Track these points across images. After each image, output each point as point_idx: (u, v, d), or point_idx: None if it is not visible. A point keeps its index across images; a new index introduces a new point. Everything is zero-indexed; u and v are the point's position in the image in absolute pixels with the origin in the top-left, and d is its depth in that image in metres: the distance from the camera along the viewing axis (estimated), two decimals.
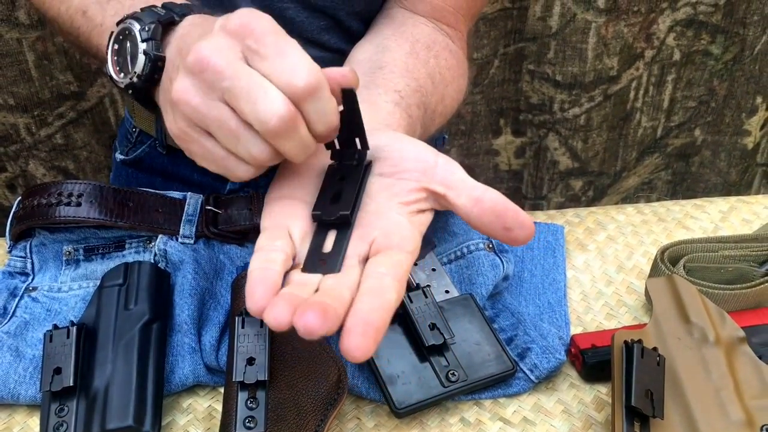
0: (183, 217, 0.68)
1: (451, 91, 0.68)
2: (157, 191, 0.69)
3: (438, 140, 0.96)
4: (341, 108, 0.45)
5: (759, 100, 1.43)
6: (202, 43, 0.43)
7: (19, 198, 0.69)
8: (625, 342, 0.55)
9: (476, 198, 0.45)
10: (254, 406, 0.54)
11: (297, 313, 0.38)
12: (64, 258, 0.68)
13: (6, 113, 1.25)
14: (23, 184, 1.35)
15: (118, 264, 0.63)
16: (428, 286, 0.61)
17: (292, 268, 0.45)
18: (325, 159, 0.49)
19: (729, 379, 0.55)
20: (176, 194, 0.69)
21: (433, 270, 0.65)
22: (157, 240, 0.67)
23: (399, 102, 0.59)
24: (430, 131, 0.65)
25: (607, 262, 0.73)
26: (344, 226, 0.45)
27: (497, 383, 0.60)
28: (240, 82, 0.42)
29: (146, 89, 0.51)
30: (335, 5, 0.71)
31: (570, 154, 1.48)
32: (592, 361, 0.60)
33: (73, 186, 0.66)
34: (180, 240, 0.67)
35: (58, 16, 0.63)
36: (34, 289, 0.67)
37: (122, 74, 0.53)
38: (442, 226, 0.70)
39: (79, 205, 0.65)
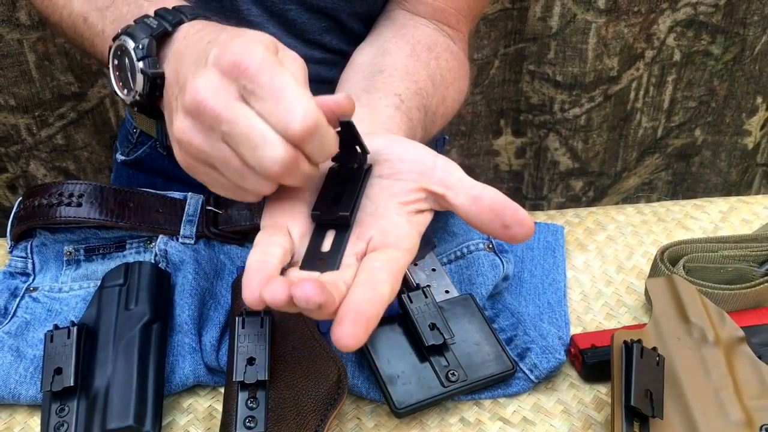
0: (183, 218, 0.68)
1: (452, 92, 0.68)
2: (157, 191, 0.69)
3: (439, 141, 0.96)
4: (338, 129, 0.45)
5: (759, 100, 1.43)
6: (198, 83, 0.42)
7: (20, 198, 0.69)
8: (625, 342, 0.55)
9: (474, 196, 0.45)
10: (254, 406, 0.54)
11: (294, 285, 0.38)
12: (65, 258, 0.68)
13: (7, 114, 1.25)
14: (24, 185, 1.35)
15: (118, 264, 0.63)
16: (428, 286, 0.61)
17: (290, 266, 0.45)
18: (322, 167, 0.49)
19: (728, 379, 0.55)
20: (177, 194, 0.69)
21: (433, 270, 0.65)
22: (158, 240, 0.67)
23: (399, 105, 0.59)
24: (431, 133, 0.65)
25: (606, 262, 0.73)
26: (343, 227, 0.45)
27: (497, 383, 0.60)
28: (238, 127, 0.42)
29: (151, 103, 0.51)
30: (336, 7, 0.71)
31: (570, 155, 1.48)
32: (592, 361, 0.61)
33: (74, 186, 0.67)
34: (180, 240, 0.67)
35: (60, 21, 0.63)
36: (35, 289, 0.67)
37: (126, 90, 0.53)
38: (442, 226, 0.70)
39: (79, 205, 0.66)
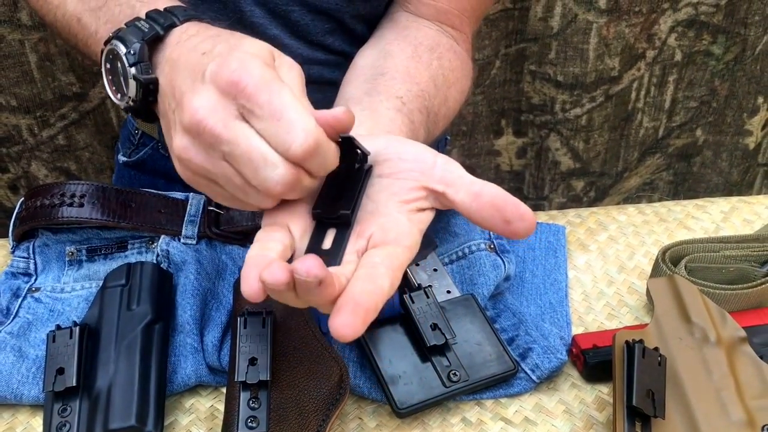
0: (185, 218, 0.68)
1: (454, 92, 0.68)
2: (159, 192, 0.69)
3: (441, 141, 0.96)
4: (339, 140, 0.45)
5: (760, 100, 1.43)
6: (196, 103, 0.42)
7: (22, 199, 0.69)
8: (627, 342, 0.55)
9: (475, 193, 0.45)
10: (256, 406, 0.54)
11: (295, 262, 0.38)
12: (67, 258, 0.68)
13: (8, 114, 1.25)
14: (25, 185, 1.36)
15: (120, 264, 0.63)
16: (430, 286, 0.62)
17: (290, 262, 0.45)
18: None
19: (730, 379, 0.55)
20: (178, 195, 0.70)
21: (435, 270, 0.65)
22: (160, 240, 0.67)
23: (401, 108, 0.59)
24: (434, 134, 0.65)
25: (608, 263, 0.73)
26: (344, 225, 0.45)
27: (499, 383, 0.60)
28: (239, 148, 0.42)
29: (145, 107, 0.51)
30: (339, 8, 0.71)
31: (571, 155, 1.48)
32: (594, 361, 0.61)
33: (76, 187, 0.67)
34: (182, 240, 0.67)
35: (55, 21, 0.62)
36: (37, 289, 0.67)
37: (119, 95, 0.52)
38: (443, 226, 0.70)
39: (81, 205, 0.66)
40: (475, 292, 0.64)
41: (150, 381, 0.57)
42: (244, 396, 0.55)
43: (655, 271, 0.67)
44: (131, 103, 0.50)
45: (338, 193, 0.46)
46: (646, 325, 0.59)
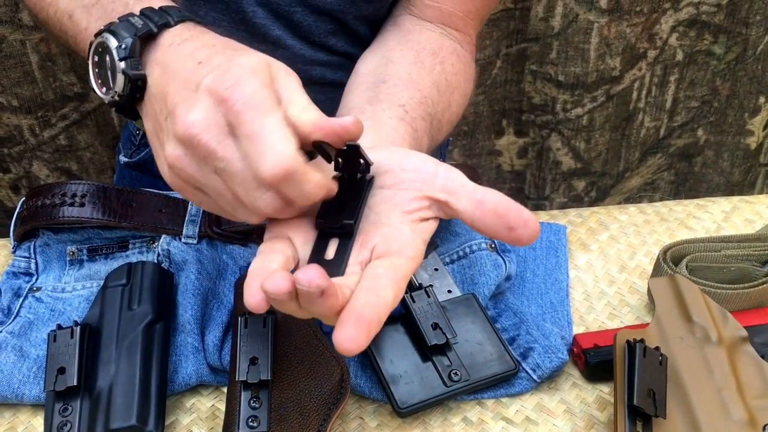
0: (186, 218, 0.68)
1: (457, 97, 0.67)
2: (160, 191, 0.69)
3: (443, 142, 0.96)
4: (344, 148, 0.45)
5: (762, 99, 1.43)
6: (191, 117, 0.42)
7: (23, 199, 0.69)
8: (628, 341, 0.55)
9: (477, 200, 0.44)
10: (257, 405, 0.54)
11: (298, 271, 0.38)
12: (68, 258, 0.68)
13: (10, 114, 1.26)
14: (27, 185, 1.36)
15: (121, 264, 0.63)
16: (431, 285, 0.61)
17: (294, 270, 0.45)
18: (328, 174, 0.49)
19: (731, 379, 0.55)
20: (179, 195, 0.69)
21: (436, 270, 0.65)
22: (161, 240, 0.67)
23: (403, 117, 0.59)
24: (438, 140, 0.65)
25: (609, 262, 0.73)
26: (347, 235, 0.45)
27: (500, 383, 0.60)
28: (233, 166, 0.42)
29: (130, 104, 0.50)
30: (342, 9, 0.70)
31: (573, 155, 1.48)
32: (595, 360, 0.61)
33: (77, 186, 0.67)
34: (183, 240, 0.67)
35: (47, 18, 0.62)
36: (38, 289, 0.67)
37: (104, 89, 0.51)
38: (444, 226, 0.70)
39: (82, 205, 0.66)
40: (476, 292, 0.64)
41: (151, 380, 0.57)
42: (245, 395, 0.55)
43: (656, 271, 0.67)
44: (116, 98, 0.50)
45: (341, 202, 0.46)
46: (647, 324, 0.59)
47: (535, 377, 0.60)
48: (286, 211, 0.44)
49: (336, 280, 0.43)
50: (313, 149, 0.45)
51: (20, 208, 0.69)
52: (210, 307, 0.64)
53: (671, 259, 0.66)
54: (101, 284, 0.63)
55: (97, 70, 0.52)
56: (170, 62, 0.47)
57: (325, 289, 0.38)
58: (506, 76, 1.38)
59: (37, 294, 0.66)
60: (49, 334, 0.57)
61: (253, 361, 0.55)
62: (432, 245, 0.67)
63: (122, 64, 0.48)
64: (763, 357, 0.57)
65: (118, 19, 0.50)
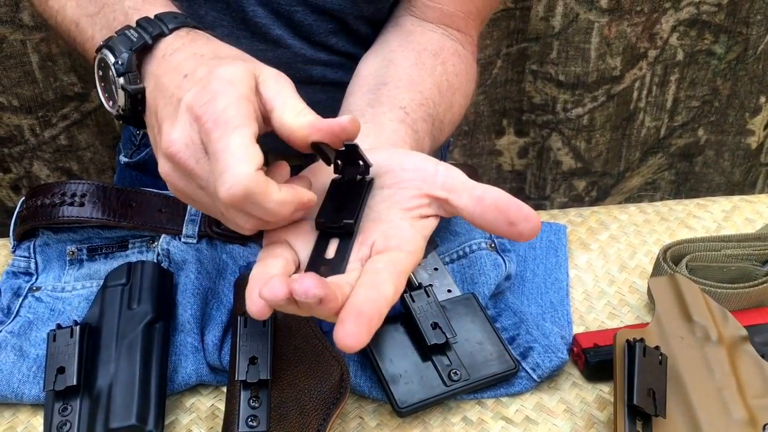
0: (186, 217, 0.68)
1: (458, 97, 0.67)
2: (159, 191, 0.69)
3: (444, 143, 0.96)
4: (342, 149, 0.45)
5: (762, 99, 1.43)
6: (173, 135, 0.43)
7: (23, 198, 0.69)
8: (627, 341, 0.55)
9: (478, 197, 0.44)
10: (257, 405, 0.54)
11: (293, 281, 0.38)
12: (68, 258, 0.68)
13: (10, 114, 1.26)
14: (27, 185, 1.36)
15: (121, 264, 0.63)
16: (430, 285, 0.61)
17: (295, 273, 0.45)
18: (326, 177, 0.49)
19: (731, 378, 0.55)
20: None
21: (436, 269, 0.65)
22: (160, 240, 0.67)
23: (404, 119, 0.59)
24: (440, 141, 0.65)
25: (609, 262, 0.73)
26: (347, 234, 0.45)
27: (499, 382, 0.60)
28: (210, 185, 0.43)
29: (135, 116, 0.51)
30: (343, 9, 0.70)
31: (573, 155, 1.48)
32: (595, 360, 0.60)
33: (77, 186, 0.67)
34: (183, 240, 0.67)
35: (56, 25, 0.63)
36: (38, 288, 0.67)
37: (111, 102, 0.53)
38: (444, 225, 0.70)
39: (82, 205, 0.66)
40: (475, 291, 0.64)
41: (151, 380, 0.57)
42: (244, 395, 0.55)
43: (657, 270, 0.67)
44: (121, 111, 0.51)
45: (341, 202, 0.46)
46: (647, 324, 0.59)
47: (534, 377, 0.60)
48: (270, 225, 0.45)
49: (336, 278, 0.43)
50: (313, 152, 0.45)
51: (20, 208, 0.69)
52: (210, 306, 0.64)
53: (671, 258, 0.66)
54: (101, 284, 0.63)
55: (103, 84, 0.54)
56: (161, 75, 0.48)
57: (322, 297, 0.38)
58: (507, 75, 1.38)
59: (36, 293, 0.66)
60: (48, 334, 0.57)
61: (252, 360, 0.55)
62: (432, 244, 0.67)
63: (121, 80, 0.49)
64: (763, 356, 0.57)
65: (116, 32, 0.51)
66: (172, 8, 0.53)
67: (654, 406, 0.52)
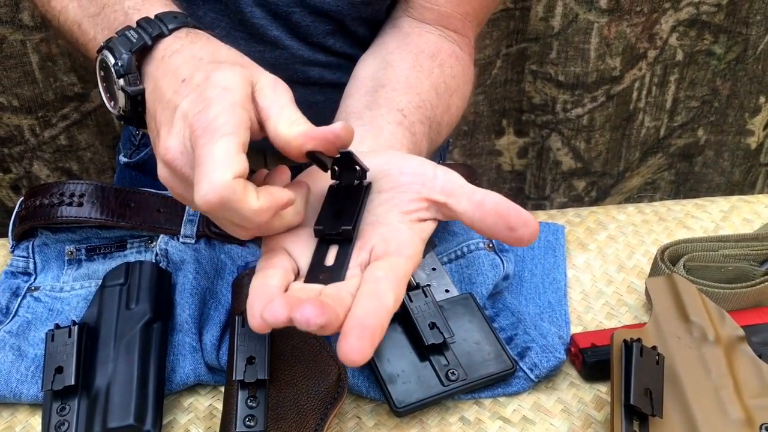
0: (184, 217, 0.68)
1: (456, 99, 0.67)
2: (158, 191, 0.69)
3: (442, 144, 0.96)
4: (337, 156, 0.45)
5: (762, 99, 1.43)
6: (169, 142, 0.44)
7: (22, 198, 0.69)
8: (625, 341, 0.55)
9: (477, 202, 0.44)
10: (254, 404, 0.54)
11: (294, 307, 0.38)
12: (66, 258, 0.69)
13: (10, 115, 1.26)
14: (27, 186, 1.36)
15: (119, 264, 0.63)
16: (428, 285, 0.61)
17: (295, 281, 0.45)
18: (323, 184, 0.49)
19: (728, 378, 0.55)
20: None
21: (433, 269, 0.65)
22: (159, 240, 0.68)
23: (402, 121, 0.59)
24: (438, 143, 0.65)
25: (607, 262, 0.73)
26: (346, 241, 0.45)
27: (497, 382, 0.60)
28: None
29: (137, 116, 0.51)
30: (341, 10, 0.70)
31: (573, 155, 1.48)
32: (592, 360, 0.61)
33: (75, 186, 0.67)
34: (181, 240, 0.67)
35: (59, 26, 0.63)
36: (37, 288, 0.67)
37: (112, 103, 0.53)
38: (442, 225, 0.70)
39: (80, 205, 0.66)
40: (473, 291, 0.64)
41: (149, 380, 0.57)
42: (242, 395, 0.55)
43: (654, 270, 0.67)
44: (122, 112, 0.51)
45: (339, 208, 0.46)
46: (645, 324, 0.59)
47: (532, 377, 0.60)
48: (263, 232, 0.45)
49: (336, 287, 0.43)
50: (309, 160, 0.45)
51: (19, 208, 0.69)
52: (208, 306, 0.64)
53: (669, 258, 0.66)
54: (99, 284, 0.63)
55: (104, 84, 0.54)
56: (160, 78, 0.48)
57: (323, 325, 0.38)
58: (506, 76, 1.38)
59: (35, 293, 0.66)
60: (47, 334, 0.57)
61: (250, 360, 0.55)
62: (430, 245, 0.67)
63: (121, 81, 0.50)
64: (760, 356, 0.57)
65: (116, 33, 0.51)
66: (173, 8, 0.53)
67: (651, 406, 0.52)
